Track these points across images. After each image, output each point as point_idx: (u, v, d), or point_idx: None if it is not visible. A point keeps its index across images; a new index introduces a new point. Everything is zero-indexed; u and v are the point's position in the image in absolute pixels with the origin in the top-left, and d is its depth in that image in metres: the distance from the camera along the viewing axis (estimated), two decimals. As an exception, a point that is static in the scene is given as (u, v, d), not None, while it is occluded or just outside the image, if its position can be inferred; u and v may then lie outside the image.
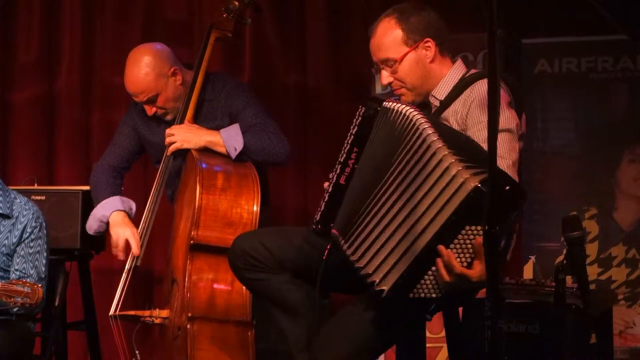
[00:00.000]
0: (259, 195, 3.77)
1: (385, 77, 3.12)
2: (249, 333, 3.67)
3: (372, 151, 2.87)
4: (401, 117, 2.79)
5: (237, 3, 4.07)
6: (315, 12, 5.04)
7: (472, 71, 3.14)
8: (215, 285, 3.65)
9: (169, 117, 4.06)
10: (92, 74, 5.17)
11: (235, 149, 3.87)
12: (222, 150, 3.90)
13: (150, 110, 4.04)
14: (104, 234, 4.20)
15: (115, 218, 4.02)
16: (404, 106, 2.82)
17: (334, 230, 2.86)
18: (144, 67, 3.99)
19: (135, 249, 3.94)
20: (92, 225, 4.09)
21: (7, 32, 5.18)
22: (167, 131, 3.97)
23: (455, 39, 4.83)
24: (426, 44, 3.09)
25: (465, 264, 2.63)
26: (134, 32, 5.09)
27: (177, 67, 4.04)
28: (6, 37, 5.18)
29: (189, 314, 3.62)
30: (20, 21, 5.18)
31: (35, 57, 5.16)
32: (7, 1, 5.18)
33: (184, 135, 3.93)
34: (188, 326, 3.60)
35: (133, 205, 4.10)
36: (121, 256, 3.97)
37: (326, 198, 2.91)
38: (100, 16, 5.17)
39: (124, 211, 4.05)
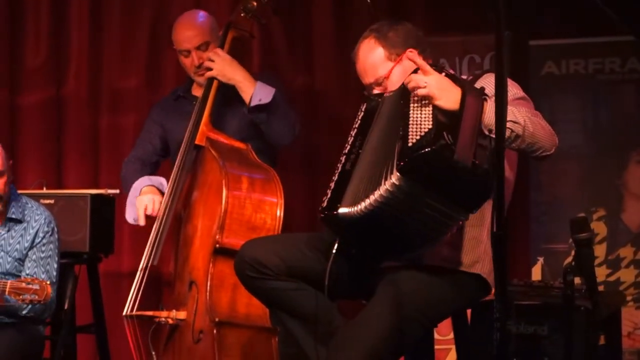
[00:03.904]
0: (283, 201, 3.77)
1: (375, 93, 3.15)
2: (273, 340, 3.68)
3: (375, 134, 2.96)
4: (402, 97, 2.88)
5: (255, 3, 4.10)
6: (322, 14, 5.04)
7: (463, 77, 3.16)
8: (236, 290, 3.65)
9: (203, 78, 4.08)
10: (100, 78, 5.18)
11: (260, 100, 3.92)
12: (245, 96, 3.96)
13: (197, 59, 4.08)
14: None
15: (144, 191, 4.03)
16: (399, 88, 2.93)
17: (340, 208, 2.86)
18: (202, 17, 4.18)
19: (150, 209, 3.92)
20: (130, 212, 4.08)
21: (15, 37, 5.20)
22: (210, 55, 4.03)
23: (462, 40, 4.90)
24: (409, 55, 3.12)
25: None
26: (141, 36, 5.10)
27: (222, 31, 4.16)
28: (14, 42, 5.20)
29: (216, 319, 3.61)
30: (28, 26, 5.19)
31: (43, 61, 5.18)
32: (15, 6, 5.19)
33: (223, 67, 4.00)
34: (214, 331, 3.60)
35: (163, 181, 4.09)
36: (141, 222, 3.96)
37: (332, 186, 2.95)
38: (107, 20, 5.18)
39: (154, 185, 4.06)
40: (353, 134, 3.01)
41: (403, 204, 2.75)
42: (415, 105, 2.79)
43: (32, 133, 5.18)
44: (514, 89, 2.96)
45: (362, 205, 2.79)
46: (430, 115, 2.74)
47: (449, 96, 2.75)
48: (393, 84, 3.10)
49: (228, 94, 4.07)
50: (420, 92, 2.78)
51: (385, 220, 2.80)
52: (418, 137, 2.70)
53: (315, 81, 5.06)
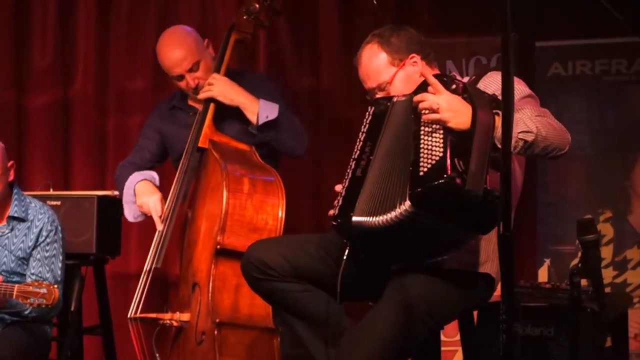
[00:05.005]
0: (284, 201, 3.78)
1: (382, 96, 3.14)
2: (275, 340, 3.68)
3: (386, 140, 2.94)
4: (413, 110, 2.87)
5: (257, 5, 4.07)
6: (328, 16, 5.05)
7: (466, 79, 3.15)
8: (239, 291, 3.66)
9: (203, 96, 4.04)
10: (107, 79, 5.19)
11: (267, 117, 3.87)
12: (251, 116, 3.91)
13: (193, 82, 4.00)
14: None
15: (139, 189, 4.00)
16: (410, 96, 2.91)
17: (353, 217, 2.87)
18: (183, 35, 4.05)
19: (157, 224, 3.89)
20: (128, 211, 4.06)
21: (22, 38, 5.21)
22: (209, 80, 3.95)
23: (468, 42, 4.90)
24: (412, 60, 3.13)
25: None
26: (148, 36, 5.10)
27: (207, 39, 4.09)
28: (21, 44, 5.21)
29: (217, 320, 3.62)
30: (36, 27, 5.20)
31: (50, 63, 5.19)
32: (22, 7, 5.21)
33: (223, 88, 3.94)
34: (215, 332, 3.61)
35: (155, 175, 4.07)
36: (159, 227, 3.93)
37: (343, 192, 2.94)
38: (114, 21, 5.19)
39: (146, 179, 4.03)
40: (362, 139, 2.99)
41: (415, 226, 2.78)
42: (427, 125, 2.79)
43: (39, 134, 5.19)
44: (520, 87, 2.95)
45: (375, 220, 2.81)
46: (441, 140, 2.75)
47: (460, 117, 2.75)
48: (396, 89, 3.10)
49: None
50: (432, 116, 2.77)
51: (397, 236, 2.83)
52: (429, 166, 2.71)
53: (320, 83, 5.06)
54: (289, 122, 3.97)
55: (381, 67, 3.13)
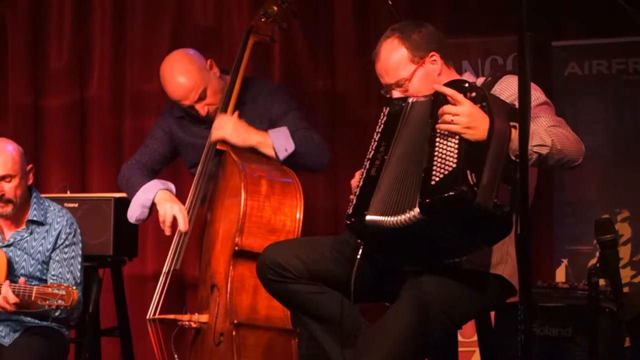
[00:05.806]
0: (302, 203, 3.78)
1: (397, 97, 3.12)
2: (293, 341, 3.69)
3: (402, 141, 2.93)
4: (426, 107, 2.88)
5: (275, 8, 4.06)
6: (343, 17, 5.05)
7: (481, 79, 3.13)
8: (257, 293, 3.66)
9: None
10: (123, 82, 5.21)
11: (286, 150, 3.85)
12: (269, 152, 3.88)
13: (203, 110, 3.98)
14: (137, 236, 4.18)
15: (161, 196, 3.99)
16: (428, 99, 2.90)
17: (367, 215, 2.87)
18: (185, 65, 3.99)
19: (182, 225, 3.89)
20: (134, 212, 4.04)
21: (39, 41, 5.24)
22: (217, 120, 3.92)
23: (484, 42, 4.89)
24: (432, 58, 3.12)
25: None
26: (163, 39, 5.12)
27: (210, 59, 4.06)
28: (38, 46, 5.24)
29: (235, 321, 3.63)
30: (52, 29, 5.23)
31: (66, 65, 5.22)
32: (38, 10, 5.23)
33: (233, 130, 3.89)
34: (233, 333, 3.62)
35: (173, 188, 4.06)
36: (168, 232, 3.93)
37: (357, 192, 2.94)
38: (130, 24, 5.21)
39: (168, 189, 4.03)
40: (376, 139, 2.99)
41: (424, 231, 2.80)
42: (443, 133, 2.78)
43: (55, 137, 5.22)
44: (536, 93, 2.94)
45: (389, 220, 2.82)
46: (456, 150, 2.73)
47: (477, 129, 2.74)
48: (414, 87, 3.09)
49: (246, 99, 4.05)
50: (450, 127, 2.76)
51: (407, 238, 2.85)
52: (441, 176, 2.71)
53: (336, 85, 5.06)
54: (308, 145, 3.93)
55: (401, 63, 3.10)
